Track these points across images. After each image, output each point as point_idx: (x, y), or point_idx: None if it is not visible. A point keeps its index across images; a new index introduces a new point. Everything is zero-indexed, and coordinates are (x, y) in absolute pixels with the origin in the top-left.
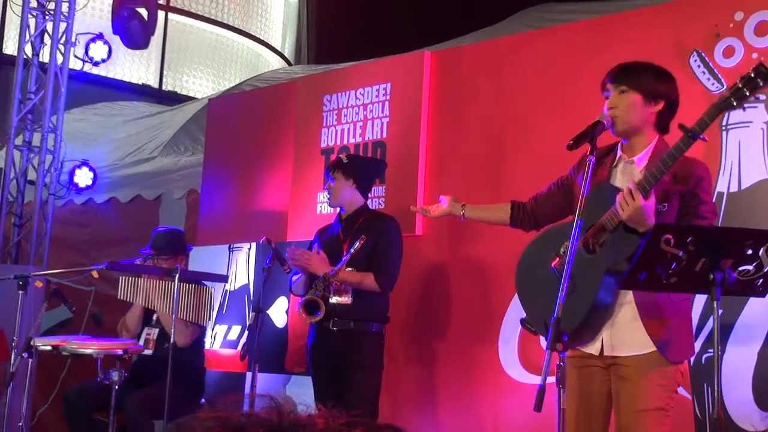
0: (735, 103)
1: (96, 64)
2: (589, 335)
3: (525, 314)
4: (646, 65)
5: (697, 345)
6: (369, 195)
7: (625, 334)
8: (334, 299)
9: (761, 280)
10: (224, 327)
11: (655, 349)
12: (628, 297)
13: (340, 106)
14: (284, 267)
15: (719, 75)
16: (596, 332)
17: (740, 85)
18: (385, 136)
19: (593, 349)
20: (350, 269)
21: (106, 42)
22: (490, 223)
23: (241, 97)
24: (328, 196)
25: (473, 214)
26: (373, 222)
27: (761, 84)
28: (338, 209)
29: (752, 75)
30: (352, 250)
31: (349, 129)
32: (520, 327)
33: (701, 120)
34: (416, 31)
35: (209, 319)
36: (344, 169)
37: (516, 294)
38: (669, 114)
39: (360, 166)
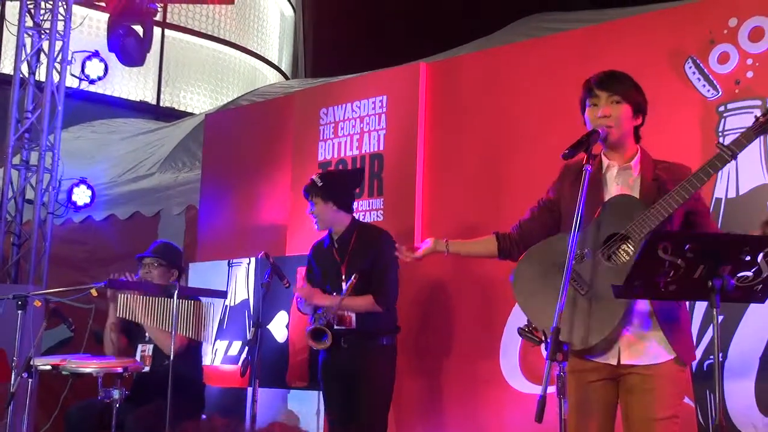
0: None
1: (92, 81)
2: (605, 345)
3: (527, 324)
4: (628, 76)
5: (699, 352)
6: (354, 208)
7: (645, 343)
8: (338, 326)
9: (760, 286)
10: (225, 343)
11: (670, 357)
12: (646, 305)
13: (337, 120)
14: (283, 282)
15: (714, 81)
16: (612, 342)
17: None
18: (382, 148)
19: (609, 359)
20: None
21: (102, 60)
22: (476, 256)
23: (237, 112)
24: (315, 221)
25: (457, 249)
26: (367, 239)
27: None
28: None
29: None
30: (345, 290)
31: (346, 142)
32: (521, 337)
33: (738, 141)
34: (412, 43)
35: (202, 332)
36: (321, 193)
37: (515, 305)
38: (642, 125)
39: (335, 185)
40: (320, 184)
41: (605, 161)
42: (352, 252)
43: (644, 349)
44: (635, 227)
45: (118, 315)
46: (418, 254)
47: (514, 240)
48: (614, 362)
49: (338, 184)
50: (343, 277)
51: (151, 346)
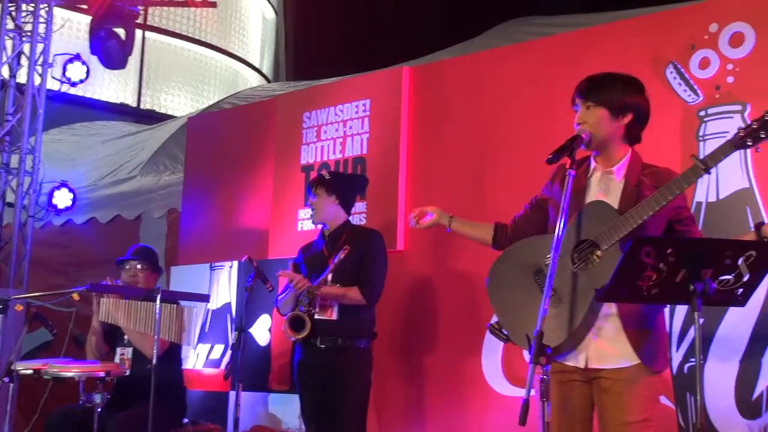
0: (750, 144)
1: (74, 84)
2: (571, 348)
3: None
4: (613, 77)
5: (679, 354)
6: (351, 211)
7: (610, 347)
8: (318, 315)
9: (741, 290)
10: (207, 346)
11: (638, 361)
12: (612, 309)
13: (320, 123)
14: (267, 285)
15: (695, 86)
16: (578, 345)
17: (756, 127)
18: (365, 152)
19: (577, 362)
20: (336, 285)
21: (83, 62)
22: (473, 239)
23: (220, 115)
24: (311, 212)
25: (458, 228)
26: (357, 237)
27: None
28: (321, 226)
29: None
30: (335, 260)
31: (329, 146)
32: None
33: (714, 154)
34: (395, 46)
35: (183, 335)
36: (327, 185)
37: None
38: (639, 125)
39: (342, 183)
40: (327, 178)
41: (592, 164)
42: (340, 247)
43: (610, 353)
44: (605, 235)
45: (99, 319)
46: (424, 223)
47: (508, 234)
48: (582, 366)
49: (344, 183)
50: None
51: (130, 350)
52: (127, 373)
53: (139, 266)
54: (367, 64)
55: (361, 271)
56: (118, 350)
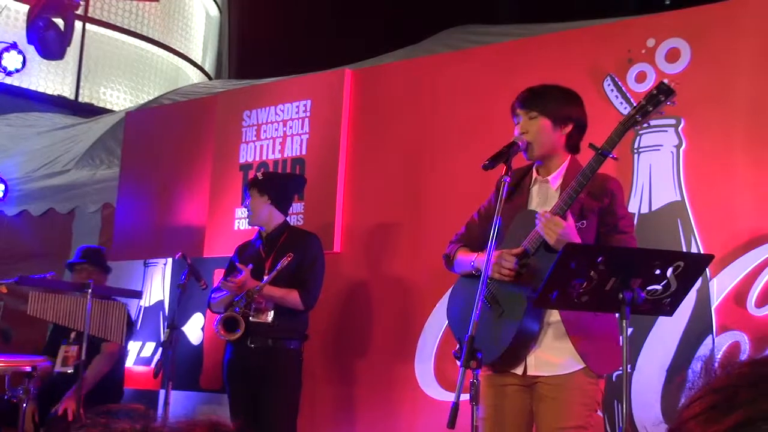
0: (640, 119)
1: (9, 74)
2: (515, 358)
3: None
4: (553, 89)
5: None
6: (289, 211)
7: (550, 354)
8: (254, 318)
9: (669, 300)
10: (138, 344)
11: (577, 368)
12: (553, 317)
13: (260, 122)
14: (200, 283)
15: (631, 99)
16: (522, 356)
17: (644, 102)
18: (304, 152)
19: (517, 369)
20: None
21: (20, 52)
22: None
23: (159, 110)
24: (248, 214)
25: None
26: (296, 239)
27: (663, 99)
28: (258, 227)
29: (655, 92)
30: (279, 266)
31: (268, 145)
32: (436, 344)
33: (610, 138)
34: (337, 49)
35: (123, 336)
36: (259, 186)
37: (432, 312)
38: (578, 135)
39: (275, 183)
40: (260, 179)
41: (533, 175)
42: (278, 249)
43: (552, 360)
44: (530, 241)
45: (29, 313)
46: None
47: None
48: (519, 372)
49: (278, 183)
50: (266, 271)
51: (75, 348)
52: (71, 370)
53: (95, 271)
54: (309, 64)
55: (300, 276)
56: (63, 348)
